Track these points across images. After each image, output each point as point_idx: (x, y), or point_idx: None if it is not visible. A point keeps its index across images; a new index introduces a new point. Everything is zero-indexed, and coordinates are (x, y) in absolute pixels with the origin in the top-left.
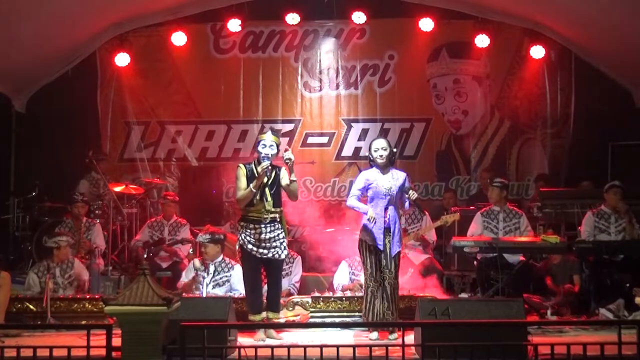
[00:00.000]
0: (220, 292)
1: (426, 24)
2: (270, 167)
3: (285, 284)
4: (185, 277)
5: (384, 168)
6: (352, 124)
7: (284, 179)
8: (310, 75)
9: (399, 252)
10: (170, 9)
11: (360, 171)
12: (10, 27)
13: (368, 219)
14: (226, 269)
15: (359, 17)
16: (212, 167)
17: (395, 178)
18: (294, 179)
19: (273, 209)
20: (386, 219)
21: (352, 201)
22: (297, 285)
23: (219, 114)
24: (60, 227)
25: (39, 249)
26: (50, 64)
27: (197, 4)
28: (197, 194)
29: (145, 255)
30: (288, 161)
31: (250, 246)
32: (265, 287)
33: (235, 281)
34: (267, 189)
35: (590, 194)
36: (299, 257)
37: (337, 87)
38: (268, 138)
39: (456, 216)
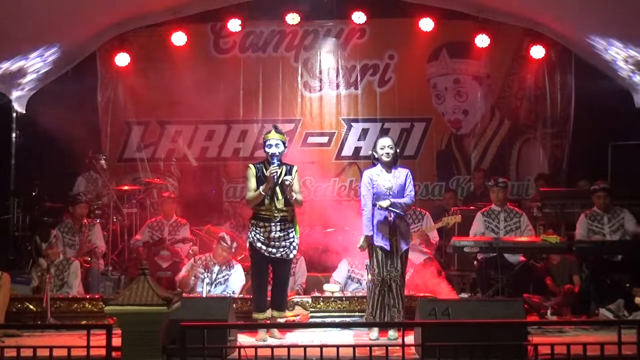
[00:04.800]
0: (219, 290)
1: (426, 24)
2: (277, 171)
3: (289, 284)
4: (185, 271)
5: (388, 167)
6: (352, 124)
7: (295, 182)
8: (310, 75)
9: (406, 250)
10: (170, 9)
11: (361, 171)
12: (11, 26)
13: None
14: (227, 268)
15: (359, 17)
16: (212, 167)
17: (397, 177)
18: (294, 196)
19: (284, 208)
20: (391, 217)
21: (365, 212)
22: (303, 286)
23: (219, 114)
24: (59, 227)
25: (38, 249)
26: (51, 64)
27: (197, 4)
28: (197, 194)
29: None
30: (287, 181)
31: (259, 244)
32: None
33: (233, 280)
34: (277, 188)
35: (590, 194)
36: (302, 257)
37: (337, 87)
38: (273, 137)
39: (457, 218)
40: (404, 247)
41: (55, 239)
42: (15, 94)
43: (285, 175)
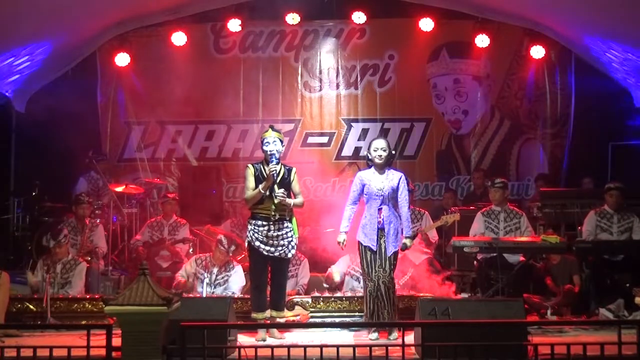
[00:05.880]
0: (219, 291)
1: (426, 24)
2: (277, 169)
3: (291, 285)
4: (184, 272)
5: (381, 168)
6: (352, 124)
7: (294, 183)
8: (310, 75)
9: (395, 252)
10: (170, 9)
11: (361, 171)
12: (10, 26)
13: (338, 241)
14: (228, 269)
15: (359, 17)
16: (212, 167)
17: (390, 179)
18: (292, 203)
19: (282, 207)
20: (380, 219)
21: (345, 210)
22: (305, 287)
23: (219, 114)
24: (62, 226)
25: (39, 249)
26: (51, 64)
27: (197, 4)
28: (197, 194)
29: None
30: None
31: (257, 243)
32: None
33: (233, 281)
34: (275, 187)
35: (591, 194)
36: (306, 259)
37: (337, 87)
38: (270, 135)
39: (456, 216)
40: (392, 249)
41: (66, 238)
42: (15, 94)
43: (285, 175)
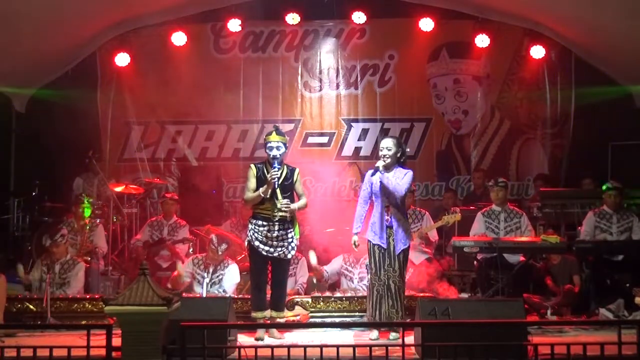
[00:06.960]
0: (213, 289)
1: (426, 24)
2: (277, 177)
3: (290, 284)
4: (183, 271)
5: (388, 167)
6: (352, 124)
7: (297, 184)
8: (310, 75)
9: (403, 250)
10: (170, 9)
11: (361, 171)
12: (11, 27)
13: (353, 243)
14: (222, 268)
15: (359, 17)
16: (212, 167)
17: (396, 177)
18: (297, 207)
19: (284, 208)
20: (387, 217)
21: (357, 210)
22: (304, 286)
23: (219, 114)
24: (61, 226)
25: (38, 249)
26: (50, 64)
27: (197, 4)
28: (197, 194)
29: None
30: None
31: (257, 243)
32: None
33: (227, 279)
34: (278, 192)
35: (591, 194)
36: (304, 258)
37: (337, 87)
38: (274, 140)
39: (457, 216)
40: (401, 246)
41: (64, 237)
42: (15, 94)
43: (287, 176)
